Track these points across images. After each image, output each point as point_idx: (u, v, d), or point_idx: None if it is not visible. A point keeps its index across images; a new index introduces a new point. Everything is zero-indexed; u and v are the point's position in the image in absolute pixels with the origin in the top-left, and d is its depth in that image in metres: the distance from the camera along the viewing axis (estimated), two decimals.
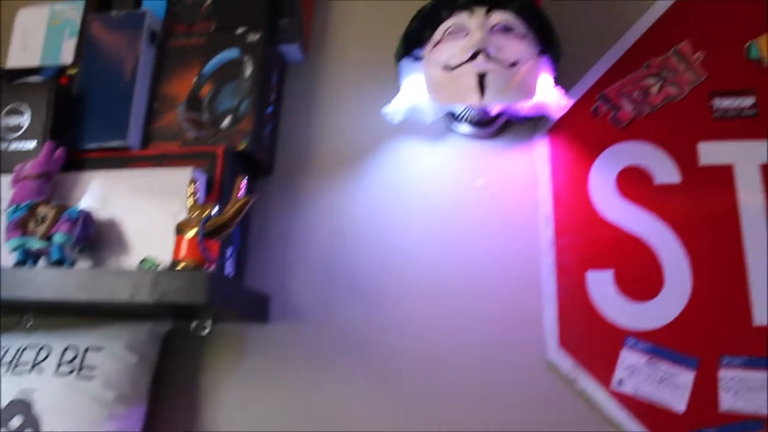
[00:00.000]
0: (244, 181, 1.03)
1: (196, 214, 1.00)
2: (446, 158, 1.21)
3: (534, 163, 1.19)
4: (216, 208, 1.01)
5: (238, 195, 1.02)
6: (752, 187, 1.13)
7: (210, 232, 0.98)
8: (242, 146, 1.14)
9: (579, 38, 1.22)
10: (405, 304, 1.15)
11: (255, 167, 1.21)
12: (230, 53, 1.20)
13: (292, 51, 1.27)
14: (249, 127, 1.15)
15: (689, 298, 1.09)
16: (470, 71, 1.00)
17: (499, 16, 1.03)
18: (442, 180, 1.20)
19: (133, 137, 1.16)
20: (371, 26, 1.31)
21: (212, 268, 0.99)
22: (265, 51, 1.20)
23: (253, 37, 1.20)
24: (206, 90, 1.18)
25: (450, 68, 1.02)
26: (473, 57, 1.00)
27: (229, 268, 1.12)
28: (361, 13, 1.32)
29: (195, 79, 1.19)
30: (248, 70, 1.18)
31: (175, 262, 0.98)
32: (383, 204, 1.21)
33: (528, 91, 1.05)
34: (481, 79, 0.99)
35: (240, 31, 1.21)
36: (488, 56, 1.00)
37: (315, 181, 1.23)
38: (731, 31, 1.21)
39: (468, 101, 1.01)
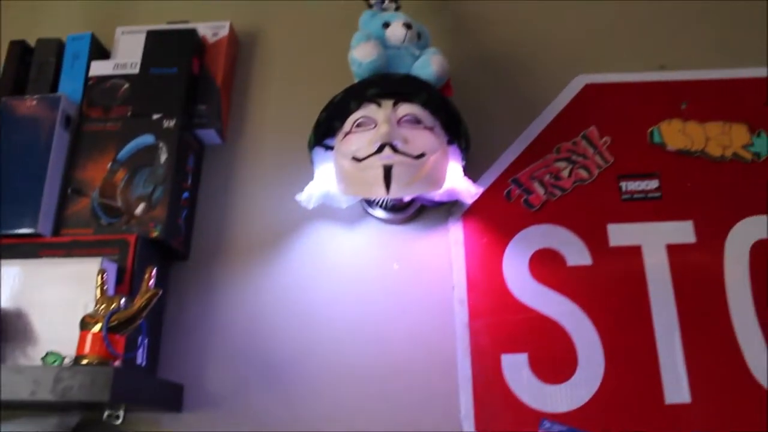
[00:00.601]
0: (154, 271, 1.01)
1: (102, 307, 0.98)
2: (363, 243, 1.22)
3: (449, 246, 1.20)
4: (123, 301, 0.99)
5: (148, 285, 1.00)
6: (660, 266, 1.16)
7: (115, 326, 0.96)
8: (155, 234, 1.13)
9: (490, 123, 1.26)
10: (323, 390, 1.14)
11: (170, 253, 1.19)
12: (145, 139, 1.20)
13: (209, 135, 1.27)
14: (163, 214, 1.14)
15: (602, 378, 1.11)
16: (377, 164, 1.01)
17: (406, 109, 1.05)
18: (359, 264, 1.21)
19: (44, 224, 1.14)
20: (288, 112, 1.32)
21: (118, 363, 0.96)
22: (181, 137, 1.20)
23: (169, 123, 1.20)
24: (120, 176, 1.18)
25: (358, 160, 1.03)
26: (380, 149, 1.01)
27: (141, 357, 1.10)
28: (278, 99, 1.34)
29: (109, 165, 1.19)
30: (163, 157, 1.18)
31: (78, 358, 0.95)
32: (300, 289, 1.20)
33: (435, 181, 1.07)
34: (388, 171, 1.01)
35: (156, 117, 1.20)
36: (395, 149, 1.01)
37: (231, 266, 1.22)
38: (635, 117, 1.26)
39: (375, 194, 1.02)
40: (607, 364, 1.11)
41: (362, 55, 1.08)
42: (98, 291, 1.01)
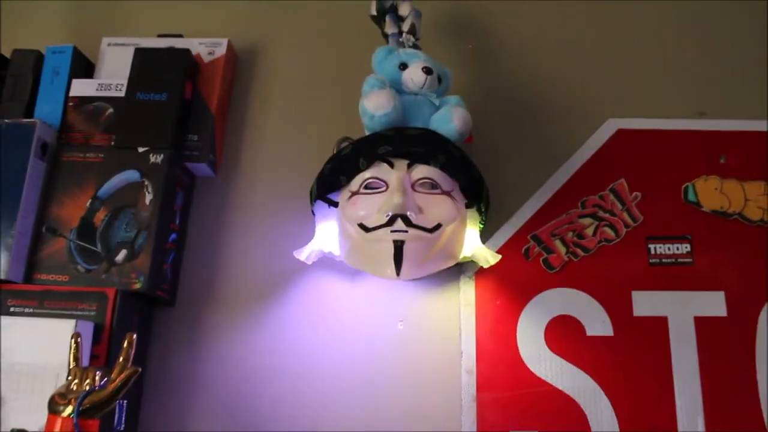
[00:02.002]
0: (134, 340, 0.91)
1: (74, 383, 0.88)
2: (365, 297, 1.11)
3: (459, 308, 1.10)
4: (98, 376, 0.89)
5: (127, 360, 0.90)
6: (686, 341, 1.07)
7: (88, 410, 0.86)
8: (137, 286, 1.03)
9: (510, 171, 1.16)
10: None
11: (154, 300, 1.09)
12: (130, 175, 1.08)
13: (200, 168, 1.16)
14: (146, 263, 1.03)
15: None
16: (387, 238, 0.90)
17: (422, 172, 0.94)
18: (360, 321, 1.11)
19: (15, 268, 1.03)
20: (289, 143, 1.21)
21: None
22: (169, 174, 1.08)
23: (156, 158, 1.08)
24: (101, 216, 1.06)
25: (366, 229, 0.92)
26: (391, 221, 0.90)
27: (118, 421, 1.00)
28: (279, 128, 1.22)
29: (89, 203, 1.07)
30: (148, 197, 1.06)
31: None
32: (294, 345, 1.10)
33: (450, 256, 0.96)
34: (399, 249, 0.90)
35: (142, 150, 1.08)
36: (408, 221, 0.90)
37: (221, 315, 1.12)
38: (669, 170, 1.16)
39: (383, 274, 0.92)
40: None
41: (375, 107, 0.95)
42: (71, 360, 0.91)
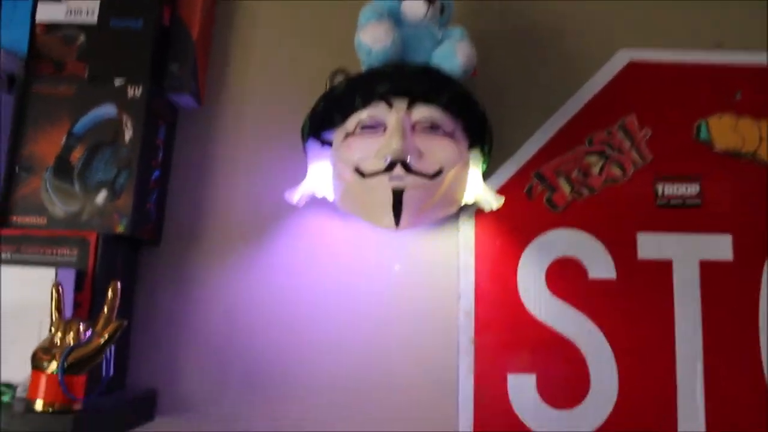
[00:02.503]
0: (119, 288, 0.87)
1: (58, 337, 0.85)
2: (360, 237, 1.07)
3: (458, 249, 1.06)
4: (83, 327, 0.85)
5: (112, 311, 0.86)
6: (690, 286, 1.05)
7: (73, 367, 0.82)
8: (120, 229, 0.97)
9: (514, 105, 1.09)
10: (307, 399, 1.04)
11: (138, 242, 1.04)
12: (106, 110, 1.00)
13: (183, 100, 1.08)
14: (128, 204, 0.97)
15: (614, 405, 1.02)
16: (385, 185, 0.84)
17: (423, 112, 0.87)
18: (355, 262, 1.07)
19: None
20: (278, 72, 1.12)
21: (79, 406, 0.84)
22: (149, 108, 1.00)
23: (134, 92, 1.00)
24: (77, 155, 0.99)
25: (362, 174, 0.86)
26: (390, 167, 0.84)
27: (106, 368, 0.97)
28: (267, 56, 1.13)
29: (64, 140, 1.00)
30: (128, 134, 0.99)
31: (30, 403, 0.82)
32: (287, 285, 1.07)
33: (452, 203, 0.91)
34: (398, 197, 0.84)
35: (118, 83, 1.00)
36: (407, 168, 0.84)
37: (209, 252, 1.08)
38: (682, 106, 1.10)
39: (381, 224, 0.86)
40: (620, 391, 1.03)
41: (372, 41, 0.87)
42: (54, 311, 0.87)
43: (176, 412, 1.04)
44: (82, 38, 1.03)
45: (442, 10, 0.94)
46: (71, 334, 0.85)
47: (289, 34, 1.13)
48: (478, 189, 0.96)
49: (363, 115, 0.87)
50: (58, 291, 0.88)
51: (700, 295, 1.04)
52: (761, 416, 1.01)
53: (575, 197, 1.06)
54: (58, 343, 0.85)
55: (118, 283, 0.88)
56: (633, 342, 1.03)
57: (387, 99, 0.87)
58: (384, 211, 0.85)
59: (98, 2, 1.04)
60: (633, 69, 1.09)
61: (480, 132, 0.91)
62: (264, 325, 1.06)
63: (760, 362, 1.02)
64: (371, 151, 0.86)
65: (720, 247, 1.05)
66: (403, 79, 0.87)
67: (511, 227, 1.06)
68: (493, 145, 0.97)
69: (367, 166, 0.86)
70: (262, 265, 1.07)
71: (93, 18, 1.03)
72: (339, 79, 0.94)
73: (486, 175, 1.03)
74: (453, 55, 0.89)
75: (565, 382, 1.03)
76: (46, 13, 1.05)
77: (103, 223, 0.97)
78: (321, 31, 1.12)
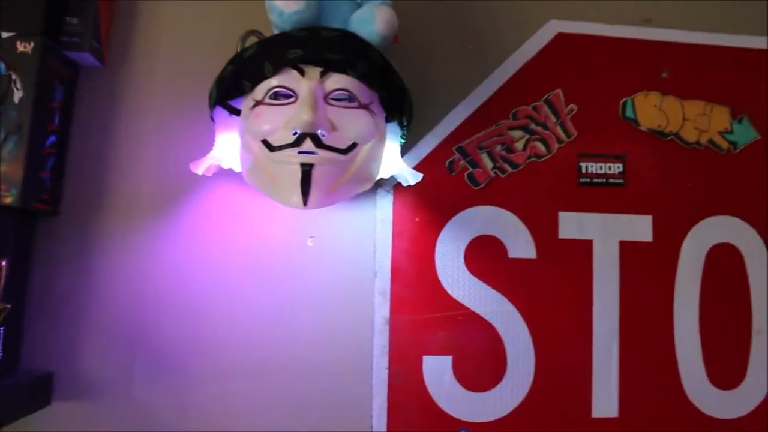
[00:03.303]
0: (4, 268, 0.80)
1: None
2: (271, 209, 1.01)
3: (374, 224, 1.02)
4: None
5: None
6: (609, 267, 1.04)
7: None
8: (9, 200, 0.89)
9: (437, 75, 1.04)
10: (216, 382, 0.99)
11: (33, 213, 0.96)
12: None
13: (83, 58, 0.99)
14: (18, 173, 0.90)
15: (529, 388, 1.01)
16: (294, 160, 0.79)
17: (337, 81, 0.81)
18: (266, 236, 1.01)
19: None
20: (188, 29, 1.04)
21: None
22: (42, 66, 0.92)
23: (25, 47, 0.91)
24: None
25: (270, 147, 0.81)
26: (299, 140, 0.79)
27: None
28: (177, 11, 1.05)
29: None
30: (18, 95, 0.91)
31: None
32: (195, 258, 1.01)
33: (366, 180, 0.86)
34: (307, 173, 0.79)
35: (6, 36, 0.91)
36: (318, 142, 0.79)
37: (112, 224, 1.00)
38: (609, 81, 1.07)
39: (288, 203, 0.81)
40: (537, 373, 1.02)
41: (284, 3, 0.81)
42: None
43: (75, 396, 0.98)
44: None
45: None
46: None
47: None
48: (395, 165, 0.91)
49: (273, 82, 0.81)
50: None
51: (619, 275, 1.03)
52: (674, 398, 1.02)
53: (497, 173, 1.03)
54: None
55: (3, 263, 0.81)
56: (551, 322, 1.02)
57: (299, 67, 0.81)
58: (292, 189, 0.79)
59: None
60: (562, 41, 1.06)
61: (399, 104, 0.86)
62: (170, 304, 1.00)
63: (673, 344, 1.02)
64: (281, 122, 0.80)
65: (640, 227, 1.04)
66: (318, 46, 0.81)
67: (431, 203, 1.03)
68: (413, 118, 0.92)
69: (276, 139, 0.80)
70: (168, 239, 1.01)
71: None
72: (251, 42, 0.88)
73: (406, 149, 1.00)
74: (371, 20, 0.83)
75: (482, 365, 1.01)
76: None
77: None
78: None
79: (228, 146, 0.90)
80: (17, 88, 0.91)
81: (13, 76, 0.91)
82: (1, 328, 0.91)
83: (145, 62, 1.03)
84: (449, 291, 1.01)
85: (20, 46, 0.92)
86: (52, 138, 0.97)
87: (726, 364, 1.03)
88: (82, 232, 1.00)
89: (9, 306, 0.79)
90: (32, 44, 0.92)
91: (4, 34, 0.92)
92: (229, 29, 0.94)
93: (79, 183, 1.01)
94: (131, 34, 1.04)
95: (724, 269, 1.04)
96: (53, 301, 0.99)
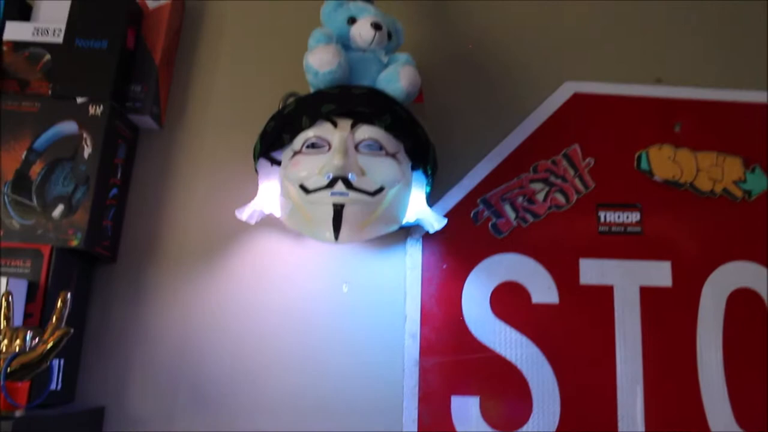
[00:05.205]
0: (68, 299, 0.89)
1: (4, 343, 0.86)
2: (311, 258, 1.10)
3: (405, 271, 1.09)
4: (29, 336, 0.87)
5: (59, 319, 0.88)
6: (630, 311, 1.08)
7: (16, 373, 0.84)
8: (75, 243, 0.99)
9: (462, 132, 1.14)
10: (255, 419, 1.05)
11: (94, 257, 1.06)
12: (67, 127, 1.04)
13: (144, 121, 1.11)
14: (84, 219, 1.00)
15: (556, 428, 1.04)
16: (327, 200, 0.88)
17: (366, 132, 0.91)
18: (304, 282, 1.09)
19: None
20: (237, 98, 1.16)
21: (20, 413, 0.85)
22: (109, 127, 1.04)
23: (96, 110, 1.04)
24: (37, 169, 1.02)
25: (306, 191, 0.90)
26: (332, 183, 0.88)
27: (54, 381, 0.99)
28: (227, 82, 1.17)
29: (24, 154, 1.03)
30: (87, 151, 1.02)
31: None
32: (237, 304, 1.09)
33: (392, 220, 0.94)
34: (338, 212, 0.87)
35: (80, 101, 1.04)
36: (348, 184, 0.88)
37: (163, 272, 1.10)
38: (623, 137, 1.14)
39: (322, 239, 0.89)
40: (562, 415, 1.04)
41: (319, 63, 0.92)
42: (2, 319, 0.89)
43: (124, 429, 1.05)
44: (47, 57, 1.07)
45: (389, 37, 0.99)
46: (17, 341, 0.87)
47: (248, 62, 1.18)
48: (420, 209, 0.99)
49: (309, 134, 0.91)
50: (7, 300, 0.90)
51: (641, 320, 1.07)
52: None
53: (520, 223, 1.10)
54: (4, 350, 0.87)
55: (68, 294, 0.90)
56: (575, 365, 1.05)
57: (332, 119, 0.91)
58: (325, 226, 0.88)
59: (65, 22, 1.08)
60: (578, 100, 1.14)
61: (423, 154, 0.95)
62: (214, 344, 1.07)
63: (698, 386, 1.04)
64: (316, 168, 0.89)
65: (660, 273, 1.09)
66: (348, 100, 0.91)
67: (458, 251, 1.09)
68: (437, 167, 1.00)
69: (311, 183, 0.89)
70: (213, 282, 1.10)
71: (59, 38, 1.07)
72: (290, 101, 0.98)
73: (433, 200, 1.07)
74: (396, 78, 0.93)
75: (508, 405, 1.05)
76: (13, 32, 1.08)
77: (58, 237, 0.99)
78: (277, 61, 1.17)
79: (269, 193, 0.99)
80: (87, 146, 1.03)
81: (84, 135, 1.03)
82: (62, 360, 1.00)
83: (197, 124, 1.15)
84: (475, 334, 1.06)
85: (92, 110, 1.04)
86: (114, 190, 1.08)
87: (753, 406, 1.04)
88: (136, 277, 1.10)
89: (72, 329, 0.87)
90: (101, 108, 1.04)
91: (79, 99, 1.04)
92: (271, 94, 1.05)
93: (135, 232, 1.11)
94: (186, 100, 1.16)
95: (746, 312, 1.07)
96: (107, 341, 1.08)
